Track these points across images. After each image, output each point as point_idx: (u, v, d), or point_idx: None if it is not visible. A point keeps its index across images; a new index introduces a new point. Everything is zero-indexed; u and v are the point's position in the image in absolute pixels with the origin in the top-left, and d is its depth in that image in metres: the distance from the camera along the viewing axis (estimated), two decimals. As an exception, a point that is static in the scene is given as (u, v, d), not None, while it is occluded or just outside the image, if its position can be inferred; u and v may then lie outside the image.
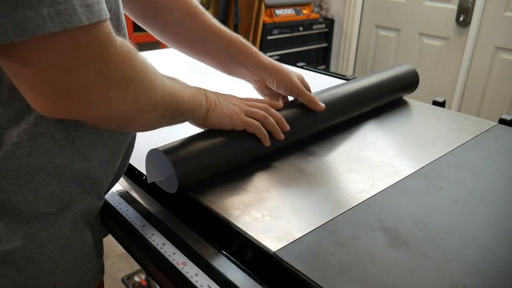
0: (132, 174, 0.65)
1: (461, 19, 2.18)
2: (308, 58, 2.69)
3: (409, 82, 0.87)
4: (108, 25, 0.37)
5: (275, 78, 0.68)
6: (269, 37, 2.55)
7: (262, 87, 0.71)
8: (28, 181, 0.43)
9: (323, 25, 2.79)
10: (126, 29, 0.51)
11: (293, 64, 1.15)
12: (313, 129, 0.69)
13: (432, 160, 0.64)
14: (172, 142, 0.55)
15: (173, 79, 0.50)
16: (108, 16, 0.36)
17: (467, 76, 2.25)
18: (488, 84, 2.18)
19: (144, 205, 0.59)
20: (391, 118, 0.81)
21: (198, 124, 0.56)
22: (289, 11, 2.64)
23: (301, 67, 1.16)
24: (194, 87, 0.54)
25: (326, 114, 0.69)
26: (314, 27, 2.74)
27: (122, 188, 0.63)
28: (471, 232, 0.48)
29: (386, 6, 2.55)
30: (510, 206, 0.53)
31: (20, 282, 0.45)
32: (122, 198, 0.60)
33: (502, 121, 0.79)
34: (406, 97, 0.91)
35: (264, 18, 2.50)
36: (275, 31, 2.57)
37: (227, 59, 0.68)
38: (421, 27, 2.39)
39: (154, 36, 0.71)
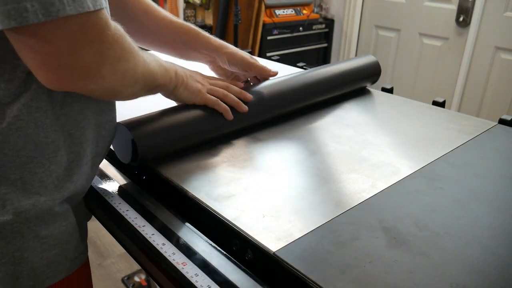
0: (132, 174, 0.65)
1: (461, 19, 2.18)
2: (308, 58, 2.69)
3: (370, 68, 0.93)
4: (106, 12, 0.43)
5: (226, 57, 0.74)
6: (269, 37, 2.55)
7: (216, 67, 0.78)
8: (27, 162, 0.47)
9: (323, 25, 2.79)
10: None
11: (293, 64, 1.15)
12: (279, 108, 0.75)
13: (432, 160, 0.64)
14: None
15: (150, 55, 0.56)
16: (107, 5, 0.44)
17: (467, 76, 2.25)
18: (488, 84, 2.18)
19: (144, 205, 0.59)
20: (391, 118, 0.81)
21: (167, 96, 0.63)
22: (289, 11, 2.64)
23: (301, 67, 1.16)
24: (167, 63, 0.60)
25: (290, 94, 0.76)
26: (314, 27, 2.74)
27: (122, 188, 0.63)
28: (471, 232, 0.48)
29: (386, 6, 2.55)
30: (510, 206, 0.53)
31: (7, 254, 0.48)
32: (122, 198, 0.60)
33: (502, 121, 0.79)
34: (407, 97, 0.91)
35: (264, 18, 2.50)
36: (275, 31, 2.57)
37: (181, 46, 0.75)
38: (421, 27, 2.39)
39: None
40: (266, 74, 0.75)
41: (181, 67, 0.64)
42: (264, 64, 0.75)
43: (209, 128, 0.65)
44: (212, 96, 0.65)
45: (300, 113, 0.81)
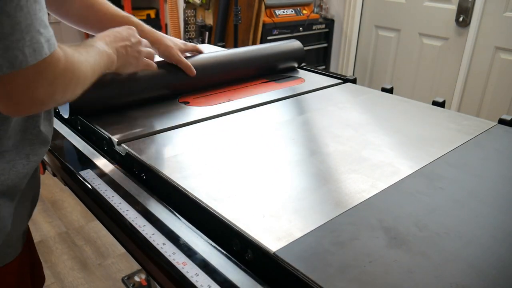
0: (132, 174, 0.65)
1: (461, 19, 2.18)
2: (308, 58, 2.66)
3: (293, 49, 1.12)
4: (59, 50, 0.47)
5: (159, 51, 0.87)
6: (269, 37, 2.55)
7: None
8: None
9: (323, 25, 2.79)
10: None
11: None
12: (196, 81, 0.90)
13: (432, 160, 0.64)
14: None
15: (93, 48, 0.61)
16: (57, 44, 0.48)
17: (467, 76, 2.25)
18: (488, 84, 2.18)
19: (144, 205, 0.59)
20: (391, 118, 0.81)
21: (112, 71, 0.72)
22: (289, 12, 2.64)
23: (301, 67, 1.16)
24: (108, 46, 0.67)
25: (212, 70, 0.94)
26: (314, 27, 2.73)
27: (123, 188, 0.63)
28: (471, 232, 0.48)
29: (386, 6, 2.55)
30: (510, 206, 0.54)
31: None
32: (122, 198, 0.60)
33: (502, 121, 0.79)
34: (407, 97, 0.91)
35: (264, 18, 2.50)
36: (275, 31, 2.57)
37: None
38: (421, 27, 2.39)
39: (63, 21, 0.85)
40: (188, 72, 0.89)
41: (121, 39, 0.72)
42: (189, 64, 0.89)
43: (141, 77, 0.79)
44: (148, 61, 0.79)
45: (300, 113, 0.81)
